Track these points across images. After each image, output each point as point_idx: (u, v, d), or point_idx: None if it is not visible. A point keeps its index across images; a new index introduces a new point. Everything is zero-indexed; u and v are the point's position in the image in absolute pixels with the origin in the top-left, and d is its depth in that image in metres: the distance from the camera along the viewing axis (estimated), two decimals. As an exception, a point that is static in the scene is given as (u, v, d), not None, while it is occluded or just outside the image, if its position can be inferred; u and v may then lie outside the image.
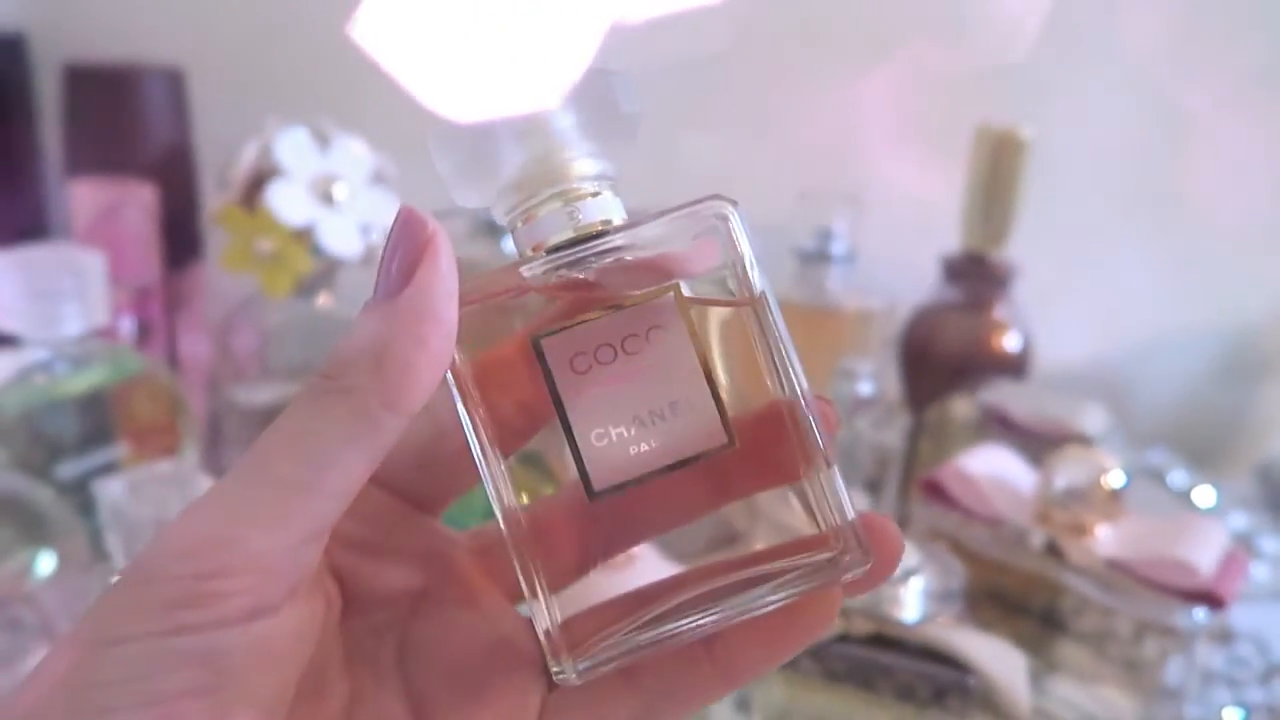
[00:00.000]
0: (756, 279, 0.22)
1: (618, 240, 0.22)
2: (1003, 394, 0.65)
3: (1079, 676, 0.50)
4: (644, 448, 0.22)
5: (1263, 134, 0.79)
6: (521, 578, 0.22)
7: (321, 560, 0.21)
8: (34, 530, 0.48)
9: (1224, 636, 0.56)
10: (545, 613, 0.22)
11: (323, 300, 0.67)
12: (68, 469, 0.54)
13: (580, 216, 0.23)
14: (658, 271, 0.22)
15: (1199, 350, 0.84)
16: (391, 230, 0.21)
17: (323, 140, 0.64)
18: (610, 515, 0.22)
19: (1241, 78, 0.78)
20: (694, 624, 0.22)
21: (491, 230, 0.66)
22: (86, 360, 0.55)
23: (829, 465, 0.22)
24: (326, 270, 0.65)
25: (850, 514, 0.22)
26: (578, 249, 0.22)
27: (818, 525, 0.22)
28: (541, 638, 0.22)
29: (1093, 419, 0.62)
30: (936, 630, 0.44)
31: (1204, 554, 0.47)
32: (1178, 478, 0.72)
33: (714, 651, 0.23)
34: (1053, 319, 0.75)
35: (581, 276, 0.22)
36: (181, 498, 0.46)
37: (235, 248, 0.62)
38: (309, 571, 0.20)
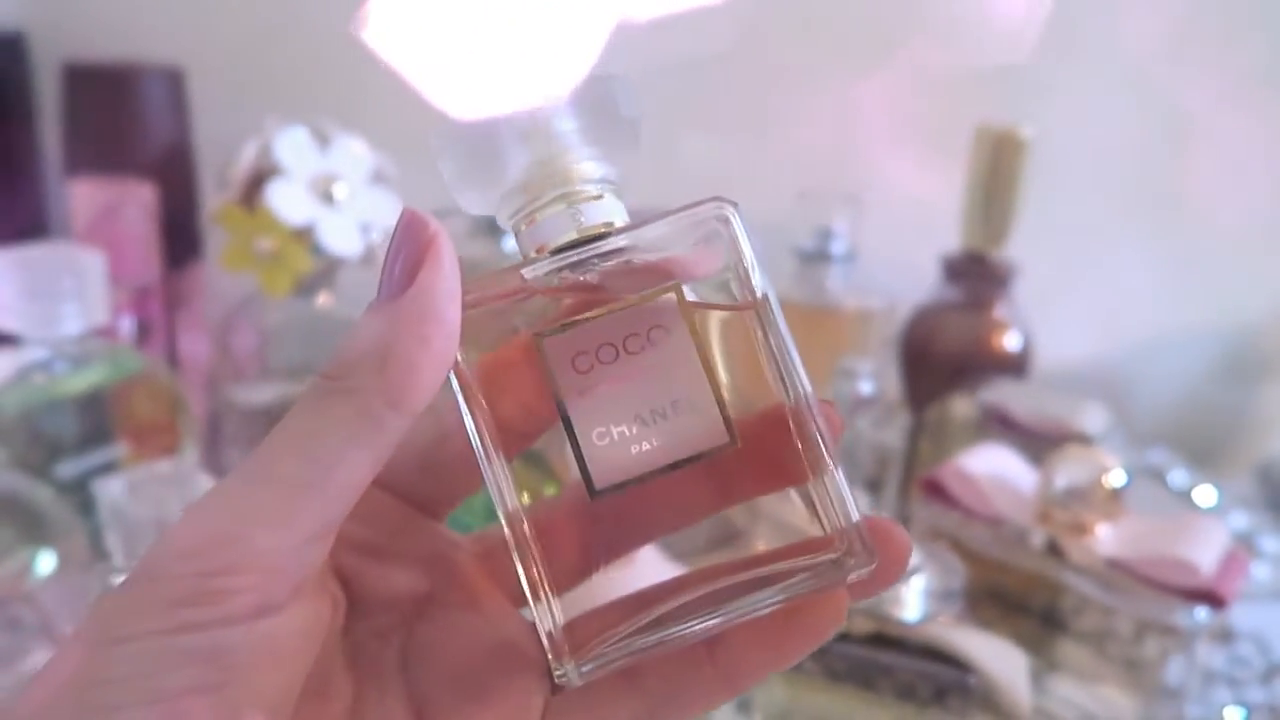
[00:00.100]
0: (758, 281, 0.22)
1: (620, 241, 0.23)
2: (1003, 393, 0.65)
3: (1080, 676, 0.50)
4: (645, 446, 0.22)
5: (1263, 134, 0.79)
6: (524, 579, 0.22)
7: (326, 562, 0.21)
8: (34, 530, 0.48)
9: (1225, 636, 0.56)
10: (548, 615, 0.22)
11: (323, 300, 0.67)
12: (67, 468, 0.54)
13: (583, 219, 0.23)
14: (661, 276, 0.22)
15: (1199, 350, 0.84)
16: (394, 233, 0.21)
17: (322, 140, 0.64)
18: (614, 517, 0.22)
19: (1241, 78, 0.78)
20: (697, 625, 0.22)
21: (491, 230, 0.66)
22: (86, 360, 0.55)
23: (834, 468, 0.22)
24: (326, 270, 0.65)
25: (855, 516, 0.22)
26: (581, 250, 0.22)
27: (822, 527, 0.22)
28: (544, 639, 0.22)
29: (1093, 418, 0.62)
30: (937, 629, 0.44)
31: (1205, 553, 0.47)
32: (1178, 477, 0.72)
33: (717, 655, 0.23)
34: (1053, 318, 0.75)
35: (584, 278, 0.22)
36: (181, 497, 0.46)
37: (235, 247, 0.62)
38: (314, 571, 0.20)
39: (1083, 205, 0.80)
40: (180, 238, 0.74)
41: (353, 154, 0.64)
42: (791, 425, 0.22)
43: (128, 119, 0.74)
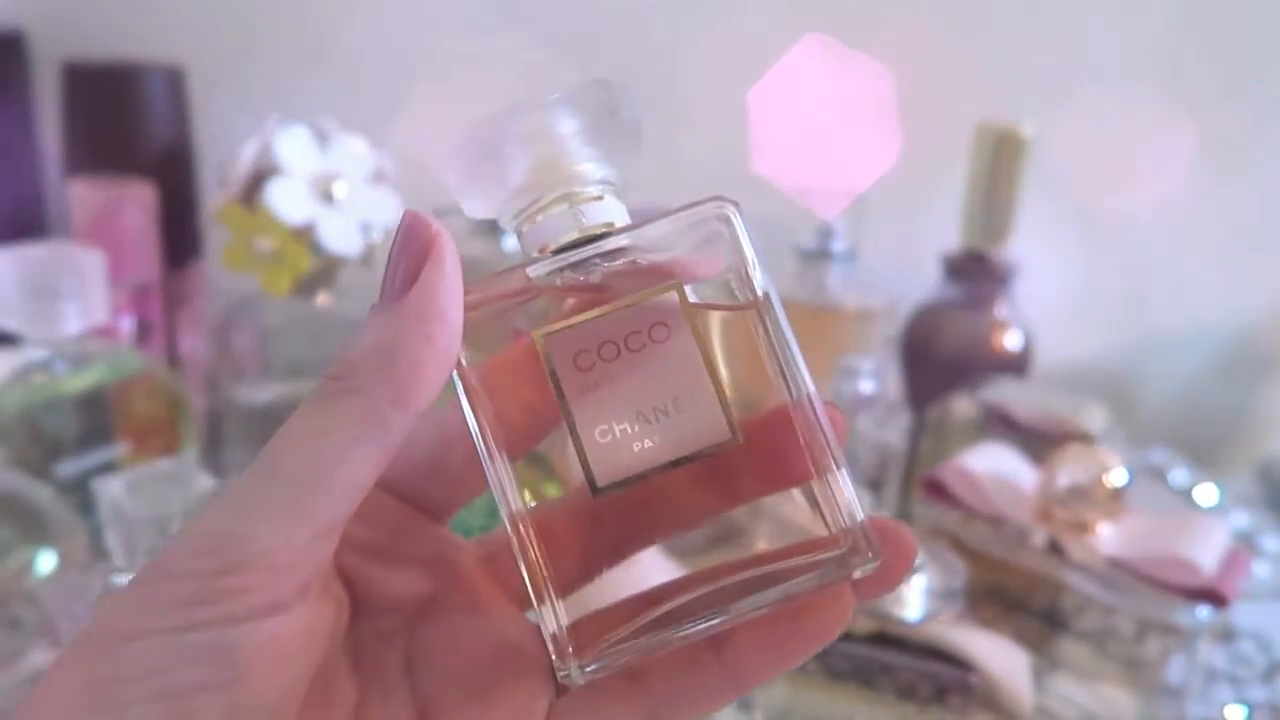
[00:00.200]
0: (759, 280, 0.23)
1: (622, 241, 0.23)
2: (1004, 392, 0.65)
3: (1081, 674, 0.50)
4: (647, 444, 0.22)
5: (1263, 133, 0.79)
6: (527, 580, 0.22)
7: (331, 564, 0.22)
8: (34, 529, 0.48)
9: (1226, 635, 0.56)
10: (551, 615, 0.22)
11: (322, 299, 0.66)
12: (67, 468, 0.54)
13: (585, 219, 0.23)
14: (664, 277, 0.23)
15: (1199, 349, 0.84)
16: (396, 234, 0.21)
17: (323, 139, 0.64)
18: (617, 519, 0.22)
19: (1241, 77, 0.78)
20: (701, 625, 0.22)
21: (492, 229, 0.66)
22: (86, 359, 0.55)
23: (839, 467, 0.22)
24: (326, 269, 0.65)
25: (860, 515, 0.22)
26: (582, 249, 0.23)
27: (827, 526, 0.22)
28: (547, 640, 0.22)
29: (1094, 417, 0.62)
30: (938, 628, 0.44)
31: (1206, 552, 0.47)
32: (1179, 476, 0.72)
33: (722, 656, 0.23)
34: (1053, 317, 0.75)
35: (586, 279, 0.23)
36: (181, 497, 0.46)
37: (235, 246, 0.62)
38: (320, 569, 0.20)
39: (1082, 204, 0.80)
40: (180, 237, 0.74)
41: (353, 154, 0.64)
42: (795, 424, 0.22)
43: (128, 118, 0.74)
